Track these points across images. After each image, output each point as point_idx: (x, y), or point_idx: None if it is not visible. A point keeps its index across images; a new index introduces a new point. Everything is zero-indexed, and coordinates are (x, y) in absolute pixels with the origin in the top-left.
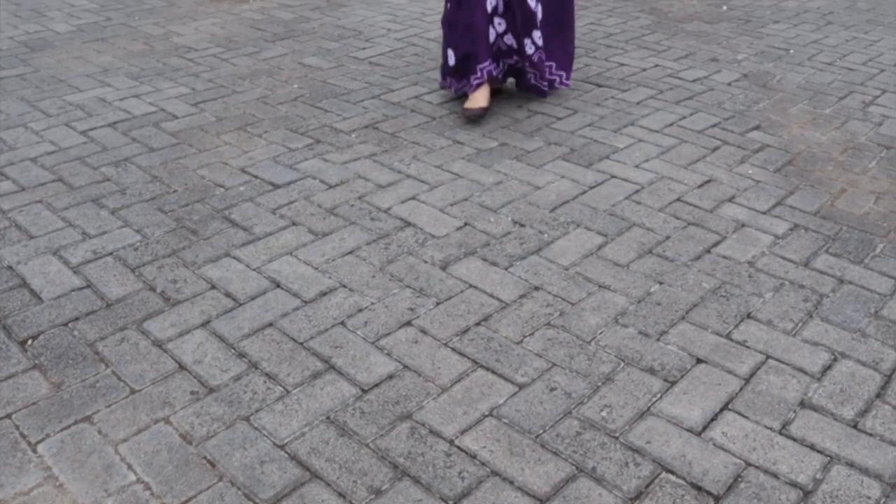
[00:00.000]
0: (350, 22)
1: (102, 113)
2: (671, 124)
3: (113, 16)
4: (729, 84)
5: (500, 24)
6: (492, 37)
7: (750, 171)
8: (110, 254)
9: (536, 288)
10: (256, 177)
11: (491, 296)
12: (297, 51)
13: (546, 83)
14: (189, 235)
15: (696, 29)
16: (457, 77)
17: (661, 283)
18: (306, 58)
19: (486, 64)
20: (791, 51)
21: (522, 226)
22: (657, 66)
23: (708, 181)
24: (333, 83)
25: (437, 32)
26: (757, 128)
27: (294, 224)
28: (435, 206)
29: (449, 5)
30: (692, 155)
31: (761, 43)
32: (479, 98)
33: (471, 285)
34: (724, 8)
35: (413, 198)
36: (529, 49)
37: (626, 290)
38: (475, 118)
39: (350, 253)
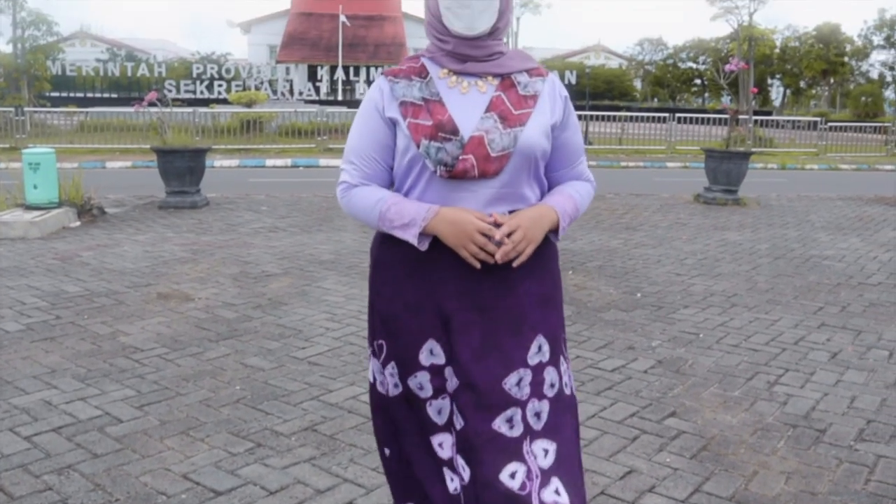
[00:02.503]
0: (290, 321)
1: (48, 417)
2: (593, 416)
3: (63, 314)
4: (645, 371)
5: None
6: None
7: (668, 459)
8: None
9: None
10: (198, 483)
11: None
12: (240, 350)
13: None
14: None
15: (613, 317)
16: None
17: None
18: (248, 358)
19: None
20: (700, 335)
21: None
22: (578, 357)
23: (629, 472)
24: (274, 384)
25: None
26: (673, 414)
27: None
28: None
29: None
30: (613, 446)
31: (673, 328)
32: None
33: None
34: (639, 295)
35: (350, 503)
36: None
37: None
38: None
39: None
